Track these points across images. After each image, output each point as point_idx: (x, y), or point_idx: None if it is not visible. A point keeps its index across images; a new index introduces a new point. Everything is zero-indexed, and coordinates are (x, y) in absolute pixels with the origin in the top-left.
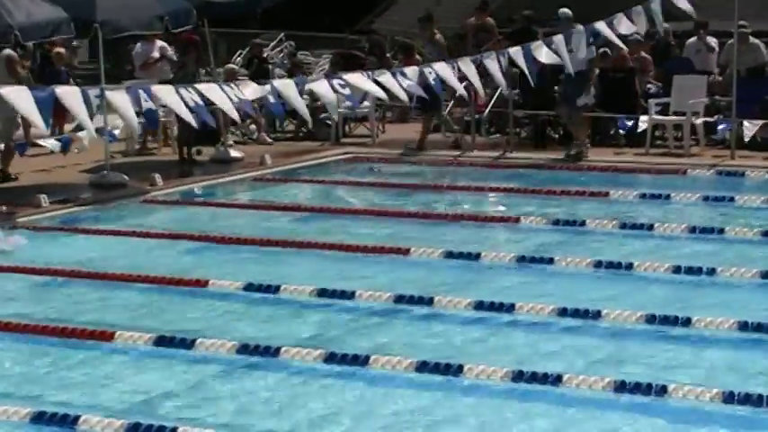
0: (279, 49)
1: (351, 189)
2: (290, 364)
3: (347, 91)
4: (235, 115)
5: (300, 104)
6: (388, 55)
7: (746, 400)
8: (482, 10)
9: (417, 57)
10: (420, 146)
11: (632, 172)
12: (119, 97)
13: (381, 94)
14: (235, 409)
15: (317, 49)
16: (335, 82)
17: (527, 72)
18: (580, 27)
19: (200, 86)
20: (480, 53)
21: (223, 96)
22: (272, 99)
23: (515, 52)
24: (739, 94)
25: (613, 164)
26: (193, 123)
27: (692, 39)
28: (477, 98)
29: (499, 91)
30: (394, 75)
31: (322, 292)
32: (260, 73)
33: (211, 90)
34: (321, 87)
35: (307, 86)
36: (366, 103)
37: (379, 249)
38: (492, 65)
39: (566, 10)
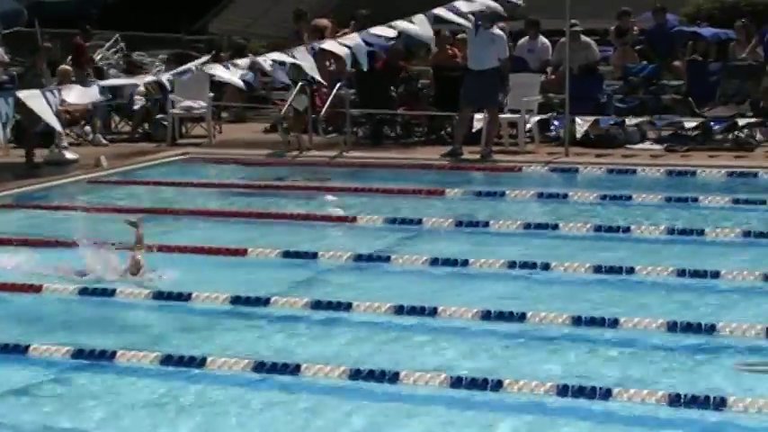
0: (114, 50)
1: (187, 190)
2: (125, 367)
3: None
4: (57, 126)
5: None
6: (222, 55)
7: (565, 391)
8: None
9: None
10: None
11: (468, 170)
12: None
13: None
14: (65, 413)
15: (153, 50)
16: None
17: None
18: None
19: (20, 94)
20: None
21: (44, 105)
22: (100, 97)
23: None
24: (572, 92)
25: (450, 162)
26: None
27: (525, 38)
28: (315, 98)
29: (336, 90)
30: (227, 67)
31: (158, 295)
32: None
33: (32, 98)
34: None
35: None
36: (202, 104)
37: (215, 251)
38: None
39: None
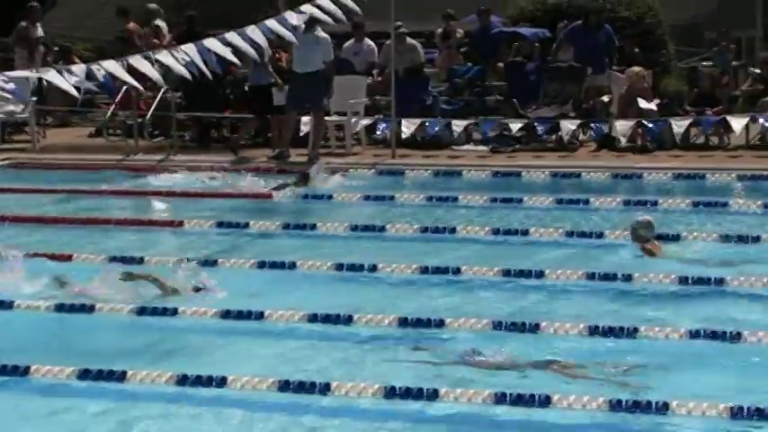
0: None
1: (10, 196)
2: None
3: (12, 85)
4: None
5: None
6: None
7: (393, 393)
8: (124, 15)
9: (75, 59)
10: None
11: (296, 173)
12: None
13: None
14: None
15: None
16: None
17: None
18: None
19: None
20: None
21: None
22: None
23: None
24: (398, 94)
25: (277, 165)
26: None
27: (350, 41)
28: (140, 101)
29: (161, 93)
30: (60, 72)
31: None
32: None
33: None
34: None
35: None
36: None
37: (40, 256)
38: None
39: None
